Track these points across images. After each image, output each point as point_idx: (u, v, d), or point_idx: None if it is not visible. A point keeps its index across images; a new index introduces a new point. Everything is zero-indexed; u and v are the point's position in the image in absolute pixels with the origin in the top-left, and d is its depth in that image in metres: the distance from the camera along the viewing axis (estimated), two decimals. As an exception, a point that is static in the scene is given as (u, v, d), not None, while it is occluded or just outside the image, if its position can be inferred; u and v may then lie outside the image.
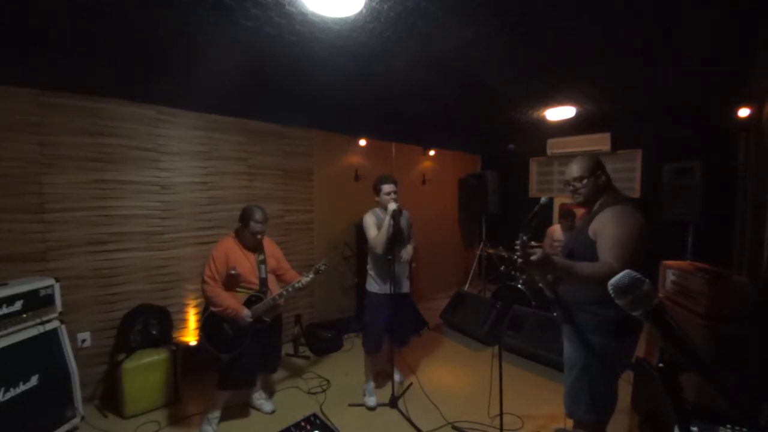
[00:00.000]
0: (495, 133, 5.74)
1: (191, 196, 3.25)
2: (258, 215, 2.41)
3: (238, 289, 2.46)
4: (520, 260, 1.43)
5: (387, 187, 2.64)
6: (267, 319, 2.47)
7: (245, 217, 2.42)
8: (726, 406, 1.35)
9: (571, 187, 1.79)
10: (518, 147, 5.88)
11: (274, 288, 2.57)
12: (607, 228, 1.58)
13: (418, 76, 2.96)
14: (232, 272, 2.39)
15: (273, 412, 2.69)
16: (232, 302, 2.35)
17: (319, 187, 4.18)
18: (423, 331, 4.16)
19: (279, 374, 3.24)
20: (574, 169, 1.76)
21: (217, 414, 2.47)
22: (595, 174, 1.73)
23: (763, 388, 1.82)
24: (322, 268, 2.52)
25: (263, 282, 2.51)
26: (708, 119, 3.98)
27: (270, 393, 2.90)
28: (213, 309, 2.35)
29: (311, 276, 2.50)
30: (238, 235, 2.50)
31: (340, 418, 2.61)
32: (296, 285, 2.48)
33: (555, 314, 1.83)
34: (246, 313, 2.35)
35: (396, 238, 2.61)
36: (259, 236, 2.47)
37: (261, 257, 2.54)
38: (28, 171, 2.52)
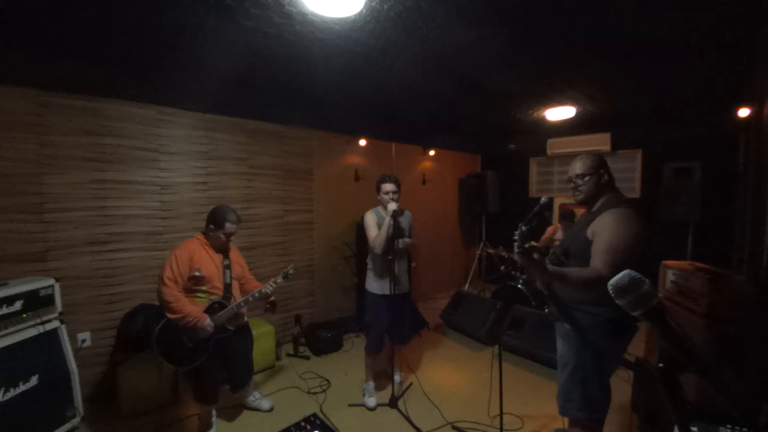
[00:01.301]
0: (495, 133, 5.74)
1: (191, 196, 3.25)
2: (232, 216, 2.28)
3: (198, 295, 2.27)
4: (517, 250, 1.44)
5: (387, 187, 2.64)
6: (231, 328, 2.30)
7: (219, 218, 2.26)
8: (726, 406, 1.35)
9: (572, 184, 1.78)
10: (518, 147, 5.89)
11: (237, 296, 2.40)
12: (604, 232, 1.58)
13: (418, 76, 2.96)
14: (196, 274, 2.21)
15: (271, 409, 2.67)
16: (193, 309, 2.15)
17: (319, 187, 4.18)
18: (423, 331, 4.16)
19: (279, 374, 3.24)
20: (578, 166, 1.76)
21: (210, 425, 2.40)
22: (597, 173, 1.73)
23: (763, 388, 1.82)
24: (291, 272, 2.40)
25: (227, 288, 2.34)
26: (708, 119, 3.98)
27: (270, 393, 2.90)
28: (169, 315, 2.13)
29: (280, 280, 2.38)
30: (206, 236, 2.34)
31: (340, 418, 2.61)
32: (264, 290, 2.34)
33: (548, 311, 1.84)
34: (208, 322, 2.15)
35: (397, 238, 2.60)
36: (230, 238, 2.34)
37: (227, 261, 2.39)
38: (28, 171, 2.52)
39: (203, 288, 2.27)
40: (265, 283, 2.39)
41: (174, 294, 2.14)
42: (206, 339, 2.21)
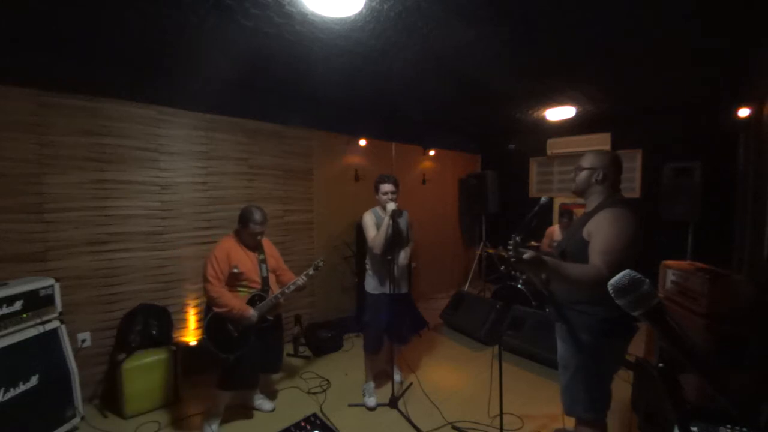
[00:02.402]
0: (495, 133, 5.74)
1: (191, 196, 3.25)
2: (257, 216, 2.40)
3: (239, 289, 2.44)
4: (512, 260, 1.44)
5: (385, 187, 2.64)
6: (270, 318, 2.47)
7: (244, 219, 2.42)
8: (726, 406, 1.35)
9: (573, 174, 1.85)
10: (518, 147, 5.88)
11: (275, 287, 2.57)
12: (600, 232, 1.58)
13: (419, 76, 2.96)
14: (235, 271, 2.38)
15: (273, 410, 2.69)
16: (237, 302, 2.33)
17: (319, 187, 4.18)
18: (423, 331, 4.15)
19: (279, 374, 3.24)
20: (584, 159, 1.80)
21: (218, 414, 2.46)
22: (593, 168, 1.74)
23: (763, 388, 1.83)
24: (320, 264, 2.55)
25: (265, 281, 2.51)
26: (708, 119, 3.98)
27: (270, 393, 2.89)
28: (217, 309, 2.32)
29: (311, 272, 2.53)
30: (238, 235, 2.49)
31: (340, 418, 2.61)
32: (298, 282, 2.49)
33: (548, 310, 1.85)
34: (251, 312, 2.34)
35: (395, 239, 2.60)
36: (258, 237, 2.47)
37: (261, 256, 2.54)
38: (28, 171, 2.52)
39: (243, 283, 2.44)
40: (298, 276, 2.55)
41: (218, 290, 2.31)
42: (250, 328, 2.37)
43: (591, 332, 1.65)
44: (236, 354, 2.36)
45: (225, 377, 2.41)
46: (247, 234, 2.44)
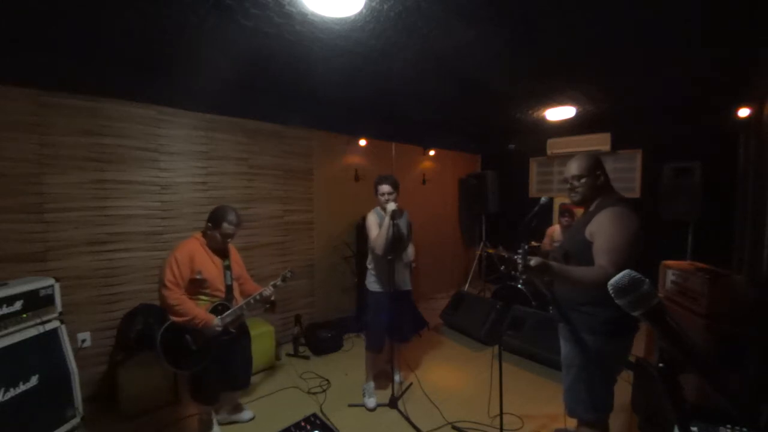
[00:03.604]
0: (495, 133, 5.73)
1: (191, 196, 3.25)
2: (232, 217, 2.23)
3: (200, 297, 2.23)
4: (521, 268, 1.45)
5: (383, 188, 2.64)
6: (232, 330, 2.28)
7: (217, 218, 2.22)
8: (726, 406, 1.35)
9: (569, 185, 1.79)
10: (518, 147, 5.88)
11: (238, 297, 2.38)
12: (603, 231, 1.58)
13: (418, 76, 2.96)
14: (198, 277, 2.17)
15: (252, 418, 2.59)
16: (199, 311, 2.14)
17: (319, 187, 4.18)
18: (423, 331, 4.15)
19: (279, 374, 3.24)
20: (573, 167, 1.76)
21: (210, 423, 2.39)
22: (594, 174, 1.73)
23: (763, 388, 1.83)
24: (289, 275, 2.41)
25: (229, 289, 2.32)
26: (708, 119, 3.98)
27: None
28: (175, 319, 2.10)
29: (279, 282, 2.39)
30: (205, 237, 2.29)
31: (340, 418, 2.61)
32: (264, 293, 2.33)
33: (551, 310, 1.85)
34: (216, 322, 2.16)
35: (397, 239, 2.61)
36: (229, 240, 2.30)
37: (227, 262, 2.35)
38: (28, 171, 2.52)
39: (206, 291, 2.23)
40: (265, 286, 2.39)
41: (178, 297, 2.11)
42: (210, 341, 2.19)
43: (594, 333, 1.65)
44: (194, 370, 2.17)
45: (194, 391, 2.28)
46: (217, 235, 2.23)
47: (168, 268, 2.12)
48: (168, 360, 2.11)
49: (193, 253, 2.20)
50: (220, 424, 2.48)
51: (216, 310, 2.23)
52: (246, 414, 2.60)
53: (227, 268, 2.35)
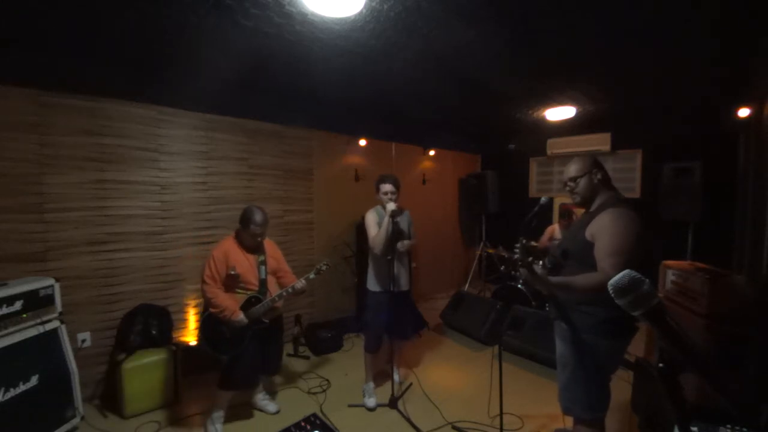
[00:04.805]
0: (495, 133, 5.73)
1: (191, 196, 3.25)
2: (258, 218, 2.39)
3: (237, 290, 2.44)
4: (519, 264, 1.45)
5: (385, 187, 2.65)
6: (266, 321, 2.45)
7: (245, 219, 2.40)
8: (726, 406, 1.35)
9: (568, 188, 1.81)
10: (518, 147, 5.88)
11: (274, 290, 2.55)
12: (605, 233, 1.58)
13: (418, 76, 2.96)
14: (232, 272, 2.37)
15: (277, 412, 2.68)
16: (229, 304, 2.33)
17: (319, 187, 4.18)
18: (423, 331, 4.15)
19: (279, 374, 3.24)
20: (571, 170, 1.79)
21: (221, 414, 2.47)
22: (590, 172, 1.74)
23: (763, 388, 1.82)
24: (324, 267, 2.52)
25: (263, 283, 2.50)
26: (708, 119, 3.98)
27: (273, 394, 2.89)
28: (211, 310, 2.34)
29: (312, 275, 2.50)
30: (239, 236, 2.48)
31: (340, 418, 2.61)
32: (296, 286, 2.47)
33: (548, 308, 1.86)
34: (240, 316, 2.34)
35: (396, 238, 2.61)
36: (258, 239, 2.45)
37: (261, 258, 2.52)
38: (28, 171, 2.52)
39: (241, 285, 2.44)
40: (298, 278, 2.54)
41: (214, 291, 2.34)
42: (243, 330, 2.37)
43: (592, 332, 1.65)
44: (229, 354, 2.38)
45: (224, 377, 2.43)
46: (247, 235, 2.43)
47: (206, 266, 2.36)
48: (207, 344, 2.36)
49: (228, 251, 2.41)
50: (253, 407, 2.70)
51: (249, 303, 2.42)
52: (272, 406, 2.72)
53: (262, 263, 2.52)
